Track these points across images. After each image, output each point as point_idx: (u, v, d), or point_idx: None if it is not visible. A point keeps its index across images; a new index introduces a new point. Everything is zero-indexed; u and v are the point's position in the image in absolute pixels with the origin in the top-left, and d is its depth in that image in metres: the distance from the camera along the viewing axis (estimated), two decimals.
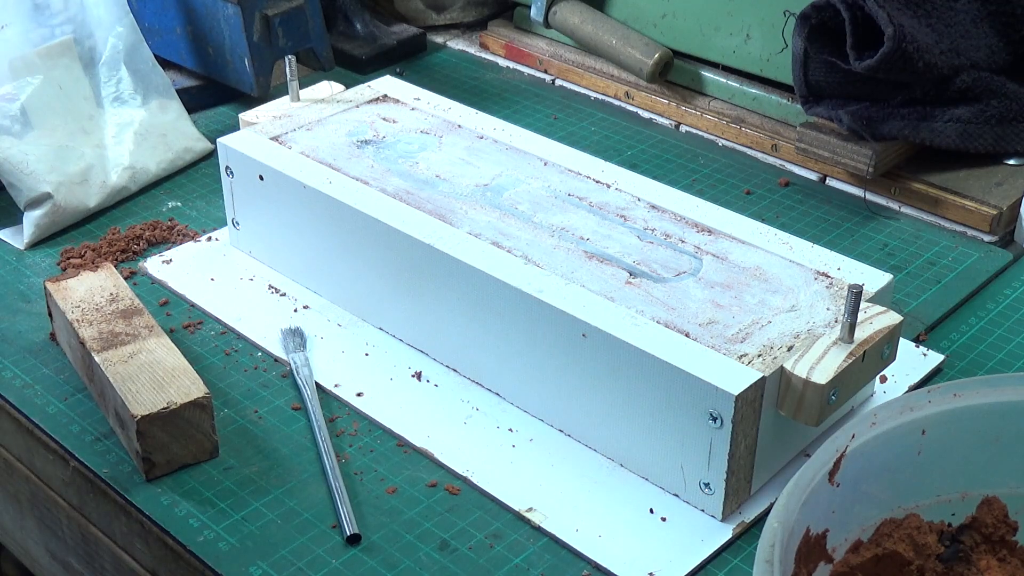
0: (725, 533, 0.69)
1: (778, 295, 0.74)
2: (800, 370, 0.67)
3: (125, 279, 0.88)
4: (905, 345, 0.81)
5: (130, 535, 0.73)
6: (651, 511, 0.70)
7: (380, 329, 0.85)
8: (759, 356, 0.68)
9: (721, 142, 1.12)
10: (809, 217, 1.00)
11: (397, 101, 0.97)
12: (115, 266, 0.90)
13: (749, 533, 0.69)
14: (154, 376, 0.74)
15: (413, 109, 0.96)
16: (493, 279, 0.75)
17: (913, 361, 0.82)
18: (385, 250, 0.81)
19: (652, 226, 0.81)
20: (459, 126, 0.93)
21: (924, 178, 1.00)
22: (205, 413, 0.73)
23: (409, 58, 1.28)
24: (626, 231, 0.80)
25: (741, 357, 0.68)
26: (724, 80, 1.13)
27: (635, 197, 0.84)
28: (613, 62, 1.18)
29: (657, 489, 0.71)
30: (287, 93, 0.96)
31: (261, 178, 0.88)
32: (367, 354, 0.83)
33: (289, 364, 0.81)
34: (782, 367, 0.67)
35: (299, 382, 0.79)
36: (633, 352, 0.69)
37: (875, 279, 0.75)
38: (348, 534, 0.68)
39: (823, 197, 1.03)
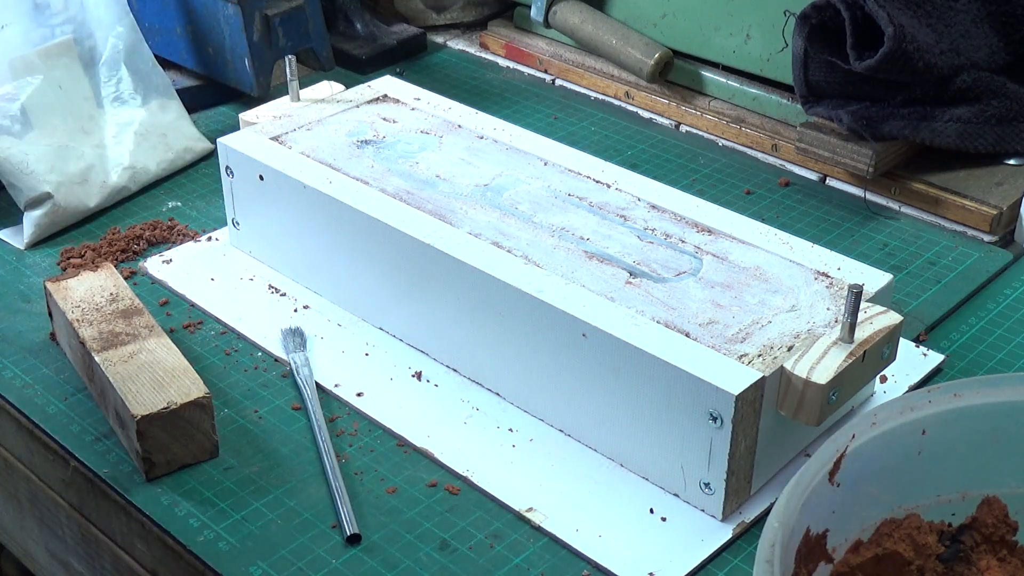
0: (725, 533, 0.69)
1: (778, 295, 0.74)
2: (800, 370, 0.67)
3: (125, 279, 0.88)
4: (905, 345, 0.81)
5: (130, 535, 0.73)
6: (651, 511, 0.70)
7: (380, 329, 0.85)
8: (759, 356, 0.68)
9: (721, 142, 1.12)
10: (809, 217, 1.00)
11: (397, 101, 0.97)
12: (115, 266, 0.90)
13: (749, 533, 0.69)
14: (154, 376, 0.74)
15: (413, 109, 0.96)
16: (493, 279, 0.75)
17: (913, 361, 0.82)
18: (385, 250, 0.81)
19: (652, 226, 0.81)
20: (459, 126, 0.93)
21: (924, 178, 1.00)
22: (205, 413, 0.73)
23: (409, 58, 1.28)
24: (626, 231, 0.80)
25: (741, 357, 0.68)
26: (724, 80, 1.13)
27: (635, 197, 0.84)
28: (613, 62, 1.18)
29: (657, 489, 0.71)
30: (287, 93, 0.96)
31: (261, 178, 0.88)
32: (367, 354, 0.83)
33: (289, 364, 0.81)
34: (782, 367, 0.67)
35: (299, 382, 0.79)
36: (633, 352, 0.69)
37: (875, 279, 0.75)
38: (348, 534, 0.68)
39: (823, 197, 1.03)
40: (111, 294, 0.82)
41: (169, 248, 0.95)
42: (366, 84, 0.99)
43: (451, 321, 0.79)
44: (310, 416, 0.77)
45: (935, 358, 0.83)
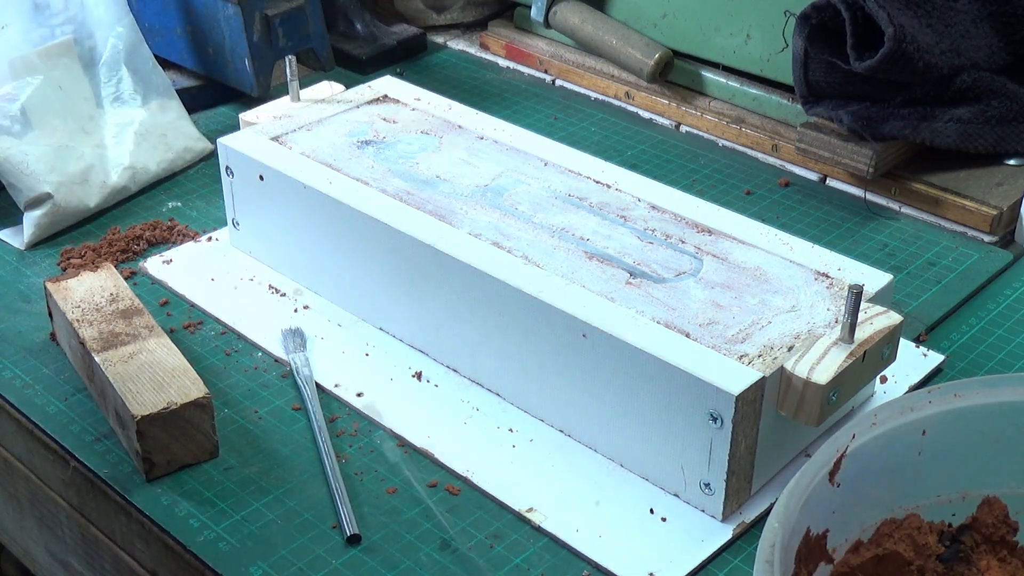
0: (725, 533, 0.69)
1: (778, 295, 0.74)
2: (800, 370, 0.67)
3: (125, 279, 0.88)
4: (905, 345, 0.81)
5: (130, 535, 0.73)
6: (651, 511, 0.70)
7: (380, 329, 0.85)
8: (759, 356, 0.68)
9: (721, 142, 1.12)
10: (809, 217, 1.00)
11: (397, 101, 0.97)
12: (115, 266, 0.90)
13: (749, 533, 0.69)
14: (154, 376, 0.74)
15: (413, 109, 0.96)
16: (493, 279, 0.75)
17: (913, 361, 0.82)
18: (385, 250, 0.81)
19: (652, 226, 0.81)
20: (459, 126, 0.93)
21: (924, 178, 1.00)
22: (205, 413, 0.73)
23: (409, 58, 1.28)
24: (626, 231, 0.80)
25: (741, 357, 0.68)
26: (724, 80, 1.13)
27: (635, 197, 0.84)
28: (613, 62, 1.18)
29: (657, 489, 0.71)
30: (287, 93, 0.96)
31: (261, 178, 0.88)
32: (367, 354, 0.83)
33: (289, 364, 0.81)
34: (782, 367, 0.67)
35: (299, 382, 0.79)
36: (633, 352, 0.69)
37: (875, 279, 0.75)
38: (348, 534, 0.68)
39: (823, 197, 1.03)
40: (111, 294, 0.82)
41: (169, 248, 0.95)
42: (366, 84, 0.99)
43: (451, 321, 0.79)
44: (310, 416, 0.77)
45: (935, 358, 0.83)
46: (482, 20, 1.34)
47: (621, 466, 0.73)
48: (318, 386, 0.80)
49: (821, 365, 0.67)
